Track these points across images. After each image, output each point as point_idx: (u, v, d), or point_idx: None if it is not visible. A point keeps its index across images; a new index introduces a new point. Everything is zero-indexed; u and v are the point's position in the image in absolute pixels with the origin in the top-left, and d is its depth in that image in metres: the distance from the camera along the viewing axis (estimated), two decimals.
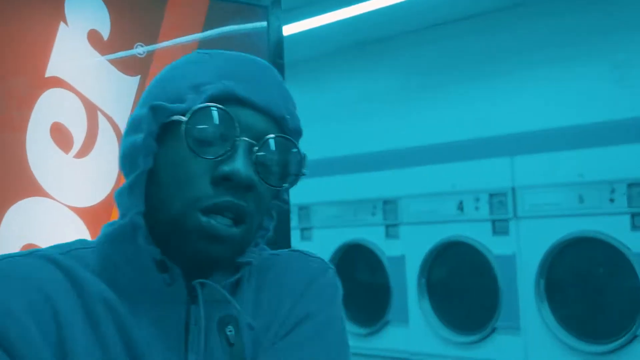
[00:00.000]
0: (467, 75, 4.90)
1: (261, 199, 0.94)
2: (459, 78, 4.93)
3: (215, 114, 0.92)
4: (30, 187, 1.62)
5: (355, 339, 4.85)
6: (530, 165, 4.32)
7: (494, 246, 4.38)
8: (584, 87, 4.38)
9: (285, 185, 0.97)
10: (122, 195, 0.96)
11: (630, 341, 3.88)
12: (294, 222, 5.24)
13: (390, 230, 4.88)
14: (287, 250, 1.09)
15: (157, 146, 0.94)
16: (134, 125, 0.96)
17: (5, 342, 0.87)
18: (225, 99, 0.93)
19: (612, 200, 3.98)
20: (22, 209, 1.61)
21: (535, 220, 4.24)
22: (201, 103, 0.92)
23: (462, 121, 4.77)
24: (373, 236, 4.95)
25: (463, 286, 4.63)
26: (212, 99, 0.92)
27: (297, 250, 1.09)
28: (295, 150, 0.97)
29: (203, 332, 0.93)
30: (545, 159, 4.26)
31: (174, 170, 0.93)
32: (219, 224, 0.90)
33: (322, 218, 5.23)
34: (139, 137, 0.94)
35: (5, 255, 0.95)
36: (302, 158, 0.97)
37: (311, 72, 5.49)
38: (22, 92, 1.62)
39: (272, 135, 0.94)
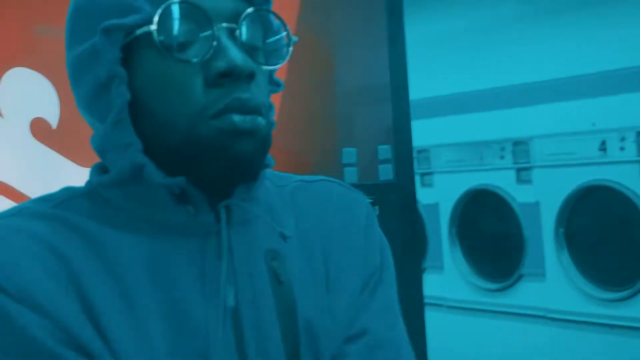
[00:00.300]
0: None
1: (261, 85, 0.85)
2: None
3: (182, 9, 0.81)
4: None
5: (485, 294, 4.53)
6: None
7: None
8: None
9: (281, 61, 0.87)
10: (105, 139, 0.85)
11: None
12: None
13: (522, 174, 4.42)
14: (319, 177, 1.00)
15: (123, 69, 0.82)
16: (83, 61, 0.84)
17: (32, 300, 0.76)
18: None
19: None
20: None
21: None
22: (162, 8, 0.80)
23: (604, 49, 4.17)
24: (502, 181, 4.50)
25: (607, 237, 4.10)
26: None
27: (333, 181, 1.01)
28: (273, 18, 0.87)
29: (244, 263, 0.85)
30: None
31: (159, 90, 0.82)
32: (248, 121, 0.80)
33: (444, 162, 4.81)
34: (101, 70, 0.82)
35: None
36: (282, 22, 0.87)
37: None
38: None
39: (248, 11, 0.83)
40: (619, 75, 4.08)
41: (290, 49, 0.87)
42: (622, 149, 3.90)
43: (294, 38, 0.87)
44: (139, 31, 0.81)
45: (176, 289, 0.82)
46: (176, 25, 0.81)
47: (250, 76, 0.81)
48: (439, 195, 4.84)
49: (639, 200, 3.85)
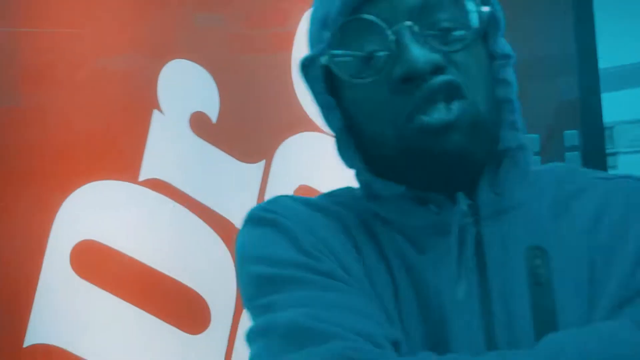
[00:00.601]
0: None
1: (465, 67, 0.79)
2: None
3: (351, 26, 0.80)
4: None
5: None
6: None
7: None
8: None
9: (469, 34, 0.79)
10: (339, 157, 0.90)
11: None
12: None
13: None
14: (620, 176, 0.90)
15: (335, 98, 0.87)
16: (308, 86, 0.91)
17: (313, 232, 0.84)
18: (355, 8, 0.80)
19: None
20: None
21: None
22: (338, 26, 0.81)
23: None
24: None
25: None
26: (342, 21, 0.81)
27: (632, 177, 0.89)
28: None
29: (474, 264, 0.81)
30: None
31: (359, 111, 0.84)
32: (443, 113, 0.77)
33: (631, 140, 4.43)
34: (315, 97, 0.89)
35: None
36: None
37: None
38: None
39: (415, 3, 0.78)
40: None
41: (481, 14, 0.80)
42: None
43: (487, 9, 0.81)
44: (321, 60, 0.83)
45: (429, 284, 0.82)
46: (349, 45, 0.82)
47: (436, 70, 0.77)
48: None
49: None
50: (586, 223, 0.84)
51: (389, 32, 0.78)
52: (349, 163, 0.88)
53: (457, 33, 0.80)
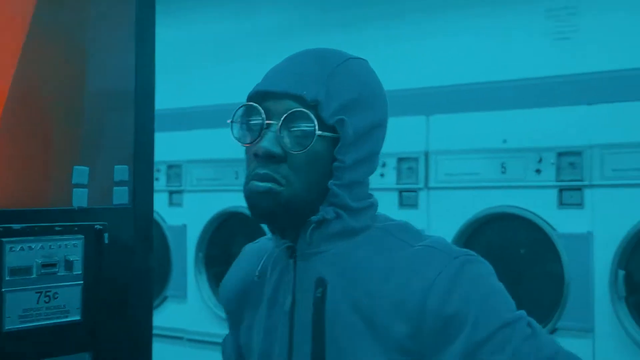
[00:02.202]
0: (375, 13, 4.23)
1: (297, 165, 1.22)
2: (365, 16, 4.25)
3: (245, 109, 1.27)
4: None
5: None
6: (447, 127, 3.70)
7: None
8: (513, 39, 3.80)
9: (302, 149, 1.21)
10: None
11: (550, 334, 3.37)
12: (161, 183, 4.49)
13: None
14: (423, 244, 1.23)
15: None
16: None
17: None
18: (259, 95, 1.26)
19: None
20: None
21: (449, 191, 3.66)
22: (244, 103, 1.27)
23: None
24: None
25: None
26: (250, 98, 1.27)
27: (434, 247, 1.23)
28: (309, 119, 1.21)
29: (291, 287, 1.27)
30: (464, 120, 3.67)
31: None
32: (254, 185, 1.22)
33: (196, 180, 4.49)
34: None
35: None
36: (314, 124, 1.21)
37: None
38: None
39: (286, 113, 1.21)
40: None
41: (313, 140, 1.21)
42: (382, 175, 3.78)
43: (317, 132, 1.21)
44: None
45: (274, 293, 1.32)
46: (241, 119, 1.27)
47: (270, 158, 1.21)
48: (187, 217, 4.49)
49: None
50: (377, 274, 1.21)
51: (265, 122, 1.22)
52: None
53: (304, 141, 1.21)
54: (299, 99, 1.22)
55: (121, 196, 1.72)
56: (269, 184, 1.20)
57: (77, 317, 1.63)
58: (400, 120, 3.66)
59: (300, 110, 1.21)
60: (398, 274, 1.19)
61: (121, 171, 1.73)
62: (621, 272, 3.24)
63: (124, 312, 1.63)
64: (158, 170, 4.45)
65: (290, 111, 1.21)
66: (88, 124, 1.74)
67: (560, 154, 3.39)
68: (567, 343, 3.47)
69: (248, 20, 4.74)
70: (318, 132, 1.20)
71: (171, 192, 4.55)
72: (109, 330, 1.67)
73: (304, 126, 1.21)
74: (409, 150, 3.74)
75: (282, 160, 1.21)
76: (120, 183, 1.72)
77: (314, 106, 1.21)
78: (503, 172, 3.51)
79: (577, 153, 3.35)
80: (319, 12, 4.42)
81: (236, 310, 1.42)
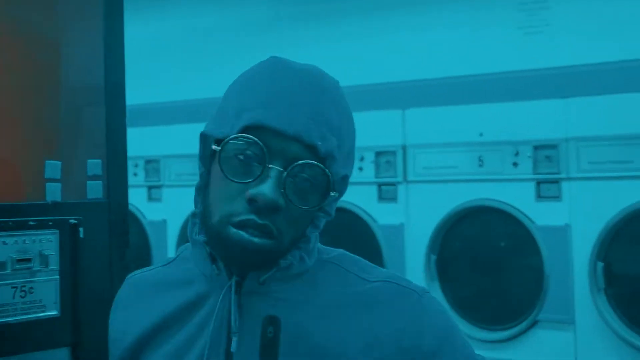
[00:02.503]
0: (352, 7, 4.23)
1: (293, 217, 1.08)
2: (341, 10, 4.25)
3: (245, 143, 1.06)
4: None
5: None
6: (423, 121, 3.72)
7: (380, 215, 3.77)
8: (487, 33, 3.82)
9: (313, 206, 1.08)
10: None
11: (530, 327, 3.42)
12: (140, 178, 4.48)
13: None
14: (382, 281, 1.17)
15: (209, 165, 1.13)
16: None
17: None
18: (259, 127, 1.05)
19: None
20: None
21: (427, 185, 3.68)
22: (236, 132, 1.07)
23: (342, 64, 4.07)
24: None
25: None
26: (246, 128, 1.06)
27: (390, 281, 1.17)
28: (323, 174, 1.07)
29: (229, 326, 1.11)
30: (440, 114, 3.68)
31: (216, 188, 1.10)
32: (247, 236, 1.06)
33: (175, 175, 4.49)
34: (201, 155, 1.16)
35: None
36: (329, 181, 1.08)
37: None
38: None
39: (299, 163, 1.05)
40: (357, 92, 4.00)
41: (326, 198, 1.09)
42: (360, 169, 3.80)
43: (334, 194, 1.10)
44: (213, 146, 1.10)
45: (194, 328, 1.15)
46: (236, 153, 1.07)
47: (273, 209, 1.05)
48: (167, 212, 4.49)
49: (374, 223, 3.79)
50: (339, 313, 1.13)
51: (268, 165, 1.05)
52: (195, 202, 1.17)
53: (310, 196, 1.08)
54: (309, 147, 1.06)
55: (95, 190, 1.72)
56: (267, 241, 1.06)
57: (55, 312, 1.63)
58: (376, 114, 3.71)
59: (317, 165, 1.06)
60: (364, 313, 1.12)
61: (94, 165, 1.73)
62: (600, 264, 3.28)
63: (103, 307, 1.63)
64: (136, 166, 4.45)
65: (302, 162, 1.05)
66: (61, 119, 1.73)
67: (536, 147, 3.42)
68: (549, 335, 3.48)
69: (226, 14, 4.72)
70: (332, 194, 1.09)
71: (150, 187, 4.53)
72: (89, 325, 1.66)
73: (314, 180, 1.06)
74: (386, 143, 3.75)
75: (281, 210, 1.05)
76: (93, 177, 1.72)
77: (323, 158, 1.07)
78: (480, 166, 3.54)
79: (553, 146, 3.38)
80: (294, 6, 4.41)
81: (131, 358, 1.20)
